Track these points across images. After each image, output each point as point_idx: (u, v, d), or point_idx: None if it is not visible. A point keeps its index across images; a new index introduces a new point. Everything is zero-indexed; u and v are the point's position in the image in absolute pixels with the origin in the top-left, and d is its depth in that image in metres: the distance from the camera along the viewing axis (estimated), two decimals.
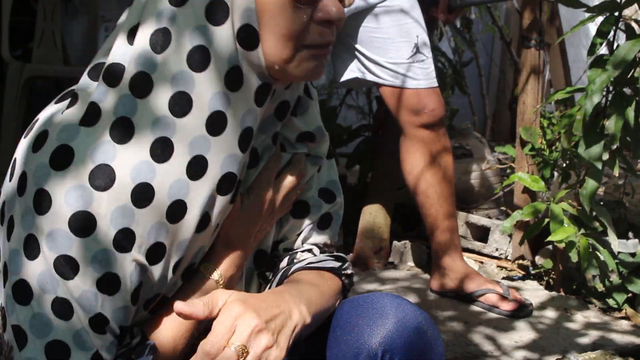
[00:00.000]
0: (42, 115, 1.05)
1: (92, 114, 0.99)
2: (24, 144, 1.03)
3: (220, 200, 1.05)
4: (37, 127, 1.02)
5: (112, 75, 1.00)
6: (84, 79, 1.04)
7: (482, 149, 3.51)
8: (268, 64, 1.02)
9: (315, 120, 1.20)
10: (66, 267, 0.96)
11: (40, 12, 4.13)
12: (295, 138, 1.18)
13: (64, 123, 1.00)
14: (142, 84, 0.99)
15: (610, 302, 2.58)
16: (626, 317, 2.52)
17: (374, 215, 2.98)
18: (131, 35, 1.01)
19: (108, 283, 0.98)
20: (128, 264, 0.99)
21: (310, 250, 1.22)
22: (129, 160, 0.98)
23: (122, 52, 1.01)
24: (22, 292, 0.98)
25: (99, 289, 0.98)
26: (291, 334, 1.01)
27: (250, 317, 0.97)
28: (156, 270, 1.03)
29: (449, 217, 2.61)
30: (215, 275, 1.10)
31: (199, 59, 0.99)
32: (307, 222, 1.22)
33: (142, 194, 0.98)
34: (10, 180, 1.02)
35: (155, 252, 1.01)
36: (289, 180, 1.16)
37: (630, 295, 2.58)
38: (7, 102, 3.92)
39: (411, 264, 2.96)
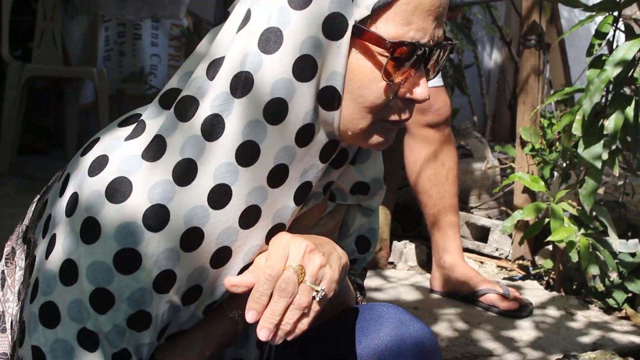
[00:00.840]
0: (103, 137, 1.01)
1: (156, 149, 0.96)
2: (80, 162, 0.99)
3: (264, 248, 1.03)
4: (97, 149, 0.99)
5: (185, 108, 0.97)
6: (155, 105, 1.00)
7: (482, 149, 3.51)
8: (342, 127, 1.00)
9: (374, 171, 1.14)
10: (102, 301, 0.94)
11: (40, 12, 4.13)
12: (349, 188, 1.13)
13: (127, 154, 0.96)
14: (214, 128, 0.95)
15: (610, 301, 2.58)
16: (626, 317, 2.52)
17: None
18: (212, 69, 0.97)
19: (139, 320, 0.96)
20: (163, 304, 0.97)
21: None
22: (186, 204, 0.95)
23: (199, 85, 0.97)
24: (49, 314, 0.95)
25: (128, 325, 0.95)
26: (339, 262, 1.01)
27: (299, 239, 0.99)
28: (188, 310, 1.01)
29: (451, 217, 2.59)
30: (235, 314, 1.06)
31: (276, 111, 0.96)
32: None
33: (192, 239, 0.96)
34: (60, 196, 0.99)
35: (192, 295, 1.00)
36: (322, 231, 1.12)
37: (630, 295, 2.58)
38: (7, 102, 3.93)
39: (411, 263, 2.96)
